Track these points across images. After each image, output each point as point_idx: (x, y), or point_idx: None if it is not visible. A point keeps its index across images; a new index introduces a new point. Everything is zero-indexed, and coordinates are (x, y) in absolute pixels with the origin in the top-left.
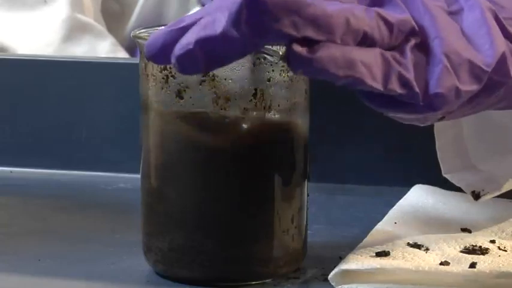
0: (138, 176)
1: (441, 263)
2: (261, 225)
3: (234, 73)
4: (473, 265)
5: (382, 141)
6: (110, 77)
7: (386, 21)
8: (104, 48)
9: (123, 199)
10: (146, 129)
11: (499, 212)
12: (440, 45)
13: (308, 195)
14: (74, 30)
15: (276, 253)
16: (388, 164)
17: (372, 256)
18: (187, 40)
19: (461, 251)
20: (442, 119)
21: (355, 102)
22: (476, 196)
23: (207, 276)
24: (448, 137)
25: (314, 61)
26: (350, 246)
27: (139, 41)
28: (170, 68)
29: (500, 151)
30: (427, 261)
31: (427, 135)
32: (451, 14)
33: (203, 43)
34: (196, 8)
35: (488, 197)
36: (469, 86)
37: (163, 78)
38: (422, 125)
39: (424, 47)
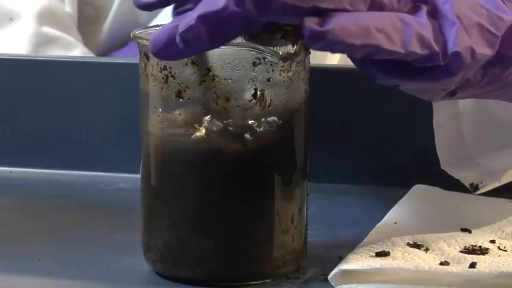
0: (138, 176)
1: (441, 263)
2: (261, 225)
3: (234, 73)
4: (473, 265)
5: (382, 141)
6: (110, 77)
7: None
8: None
9: (123, 199)
10: (146, 130)
11: (499, 212)
12: (452, 8)
13: (308, 195)
14: (41, 44)
15: (275, 253)
16: (388, 164)
17: (371, 256)
18: (191, 17)
19: (461, 251)
20: (453, 94)
21: (356, 102)
22: (474, 188)
23: (207, 277)
24: (447, 130)
25: (328, 34)
26: (350, 246)
27: (139, 40)
28: (170, 68)
29: (499, 144)
30: (427, 261)
31: (428, 135)
32: None
33: (205, 19)
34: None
35: (487, 189)
36: (483, 49)
37: (163, 78)
38: (433, 101)
39: (434, 14)
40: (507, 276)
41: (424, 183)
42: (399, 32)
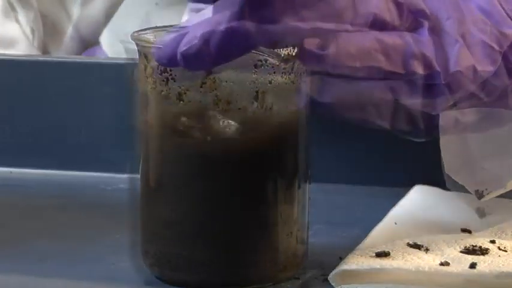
0: (138, 176)
1: (441, 264)
2: (262, 228)
3: (235, 75)
4: (473, 265)
5: (382, 141)
6: (110, 77)
7: (395, 1)
8: None
9: (123, 199)
10: (145, 132)
11: (499, 212)
12: (454, 25)
13: (309, 199)
14: None
15: (277, 257)
16: (388, 164)
17: (371, 256)
18: (193, 35)
19: (461, 251)
20: (453, 106)
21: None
22: (480, 195)
23: (207, 280)
24: (452, 135)
25: (328, 57)
26: (350, 247)
27: (139, 42)
28: (170, 70)
29: (504, 150)
30: (427, 261)
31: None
32: None
33: (208, 38)
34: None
35: (492, 195)
36: (485, 66)
37: (163, 80)
38: (433, 113)
39: (437, 30)
40: (507, 276)
41: (424, 183)
42: (400, 52)
